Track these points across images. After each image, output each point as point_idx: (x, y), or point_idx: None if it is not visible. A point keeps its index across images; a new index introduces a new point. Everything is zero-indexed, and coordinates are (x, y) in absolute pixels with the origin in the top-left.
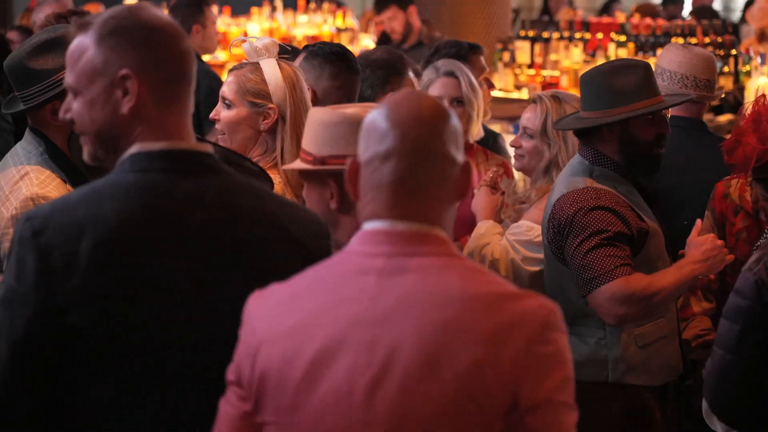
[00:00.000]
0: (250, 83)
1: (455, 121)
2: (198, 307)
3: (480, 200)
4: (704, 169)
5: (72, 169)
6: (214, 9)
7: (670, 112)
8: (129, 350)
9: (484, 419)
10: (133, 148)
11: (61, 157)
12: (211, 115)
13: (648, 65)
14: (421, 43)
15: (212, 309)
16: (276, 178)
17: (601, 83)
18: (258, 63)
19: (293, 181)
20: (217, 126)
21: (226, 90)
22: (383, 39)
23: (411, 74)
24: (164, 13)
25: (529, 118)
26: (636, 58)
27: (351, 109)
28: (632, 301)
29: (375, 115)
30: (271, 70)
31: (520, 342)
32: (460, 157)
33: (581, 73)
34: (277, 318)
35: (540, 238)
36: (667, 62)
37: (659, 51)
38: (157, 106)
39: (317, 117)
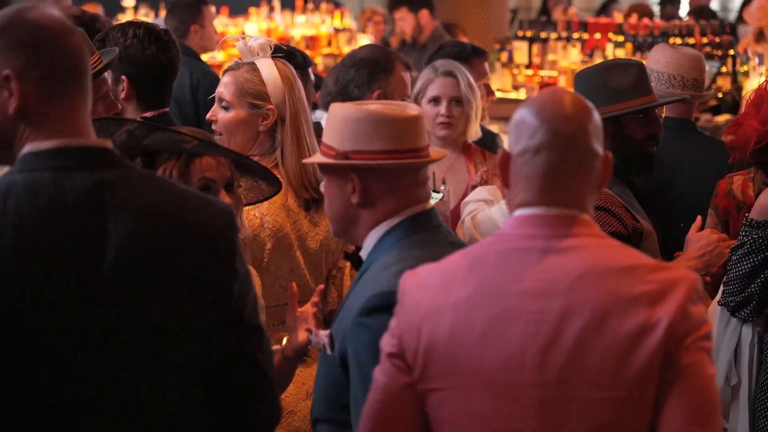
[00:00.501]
0: (249, 84)
1: (597, 116)
2: (92, 312)
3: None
4: (694, 169)
5: None
6: (212, 8)
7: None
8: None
9: (644, 374)
10: (25, 149)
11: None
12: (208, 116)
13: (642, 64)
14: (425, 45)
15: (107, 308)
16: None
17: (594, 81)
18: (254, 63)
19: (294, 182)
20: (215, 127)
21: (224, 91)
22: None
23: (404, 71)
24: (54, 10)
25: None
26: (633, 58)
27: (373, 106)
28: None
29: (524, 113)
30: (269, 70)
31: (675, 304)
32: (600, 149)
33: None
34: (441, 293)
35: None
36: (654, 63)
37: None
38: (46, 105)
39: (339, 112)
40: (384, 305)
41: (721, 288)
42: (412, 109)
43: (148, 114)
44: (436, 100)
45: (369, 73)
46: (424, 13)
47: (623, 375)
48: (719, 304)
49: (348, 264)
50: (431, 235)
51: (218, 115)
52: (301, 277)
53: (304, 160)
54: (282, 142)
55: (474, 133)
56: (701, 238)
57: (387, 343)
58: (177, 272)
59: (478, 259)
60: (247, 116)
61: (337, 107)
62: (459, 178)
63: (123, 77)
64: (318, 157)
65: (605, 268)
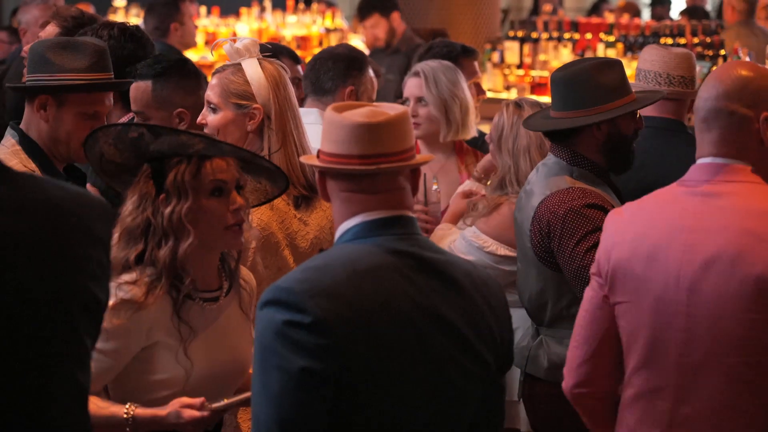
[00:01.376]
0: (234, 85)
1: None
2: None
3: (451, 205)
4: (680, 169)
5: (47, 162)
6: (189, 4)
7: (648, 112)
8: None
9: None
10: None
11: (35, 150)
12: (198, 119)
13: (621, 63)
14: (398, 50)
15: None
16: None
17: (587, 80)
18: (239, 64)
19: None
20: (206, 130)
21: (211, 94)
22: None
23: (372, 74)
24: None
25: (493, 124)
26: (625, 58)
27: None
28: None
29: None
30: (253, 70)
31: None
32: (753, 113)
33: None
34: (628, 225)
35: (487, 246)
36: (642, 62)
37: None
38: None
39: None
40: (273, 299)
41: None
42: (394, 109)
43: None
44: (405, 101)
45: (345, 67)
46: (396, 16)
47: (754, 308)
48: None
49: None
50: (382, 240)
51: (207, 117)
52: None
53: (301, 158)
54: (269, 141)
55: (464, 132)
56: None
57: (592, 267)
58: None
59: (662, 197)
60: (234, 117)
61: (331, 108)
62: (450, 178)
63: None
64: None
65: (751, 210)
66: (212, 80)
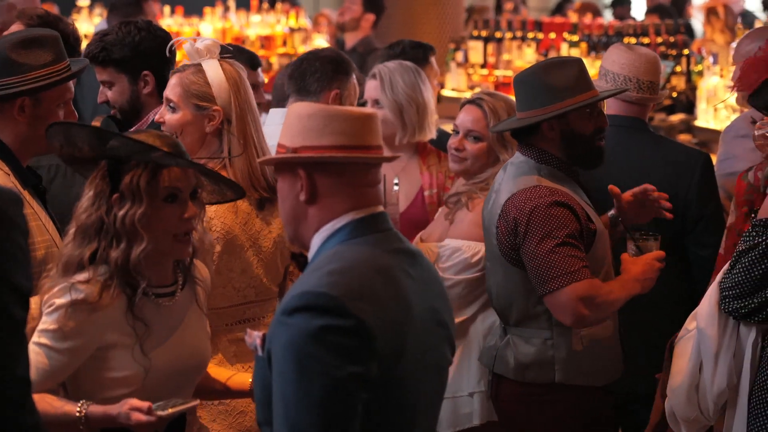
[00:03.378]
0: (194, 86)
1: None
2: None
3: (433, 223)
4: (642, 167)
5: (19, 164)
6: (153, 4)
7: (611, 111)
8: None
9: None
10: None
11: (6, 153)
12: (156, 117)
13: (581, 61)
14: (354, 50)
15: None
16: None
17: (535, 82)
18: (200, 65)
19: (243, 182)
20: (164, 128)
21: (170, 93)
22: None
23: (355, 80)
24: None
25: (474, 119)
26: (588, 58)
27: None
28: (595, 304)
29: None
30: (214, 71)
31: None
32: None
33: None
34: None
35: (469, 255)
36: (610, 63)
37: None
38: None
39: (293, 110)
40: (306, 305)
41: (715, 292)
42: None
43: None
44: (365, 104)
45: (333, 70)
46: (371, 19)
47: None
48: (725, 311)
49: None
50: (375, 239)
51: (165, 116)
52: (254, 277)
53: (259, 160)
54: (228, 143)
55: (422, 134)
56: (646, 263)
57: None
58: None
59: None
60: (193, 117)
61: (292, 106)
62: (411, 179)
63: (147, 72)
64: (269, 156)
65: None
66: (172, 79)
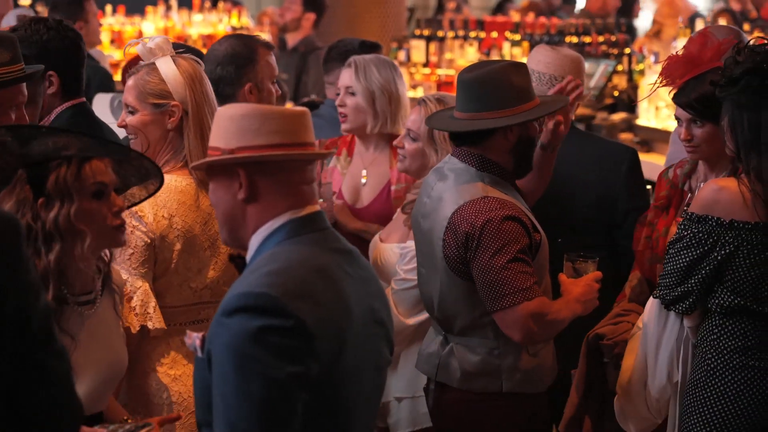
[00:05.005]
0: (150, 85)
1: None
2: None
3: (392, 224)
4: (570, 163)
5: None
6: (94, 3)
7: None
8: None
9: None
10: None
11: None
12: (118, 122)
13: (526, 65)
14: (296, 49)
15: None
16: (188, 178)
17: (500, 82)
18: (153, 63)
19: (203, 179)
20: (126, 132)
21: (128, 96)
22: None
23: (267, 54)
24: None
25: (414, 120)
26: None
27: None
28: (545, 322)
29: None
30: (168, 67)
31: None
32: None
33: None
34: None
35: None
36: (535, 63)
37: None
38: None
39: (223, 112)
40: (245, 306)
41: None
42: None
43: (68, 104)
44: (338, 93)
45: (236, 68)
46: (311, 18)
47: None
48: (654, 297)
49: None
50: (314, 238)
51: (126, 120)
52: (211, 278)
53: (191, 165)
54: (188, 138)
55: (394, 126)
56: (586, 285)
57: None
58: None
59: None
60: (152, 117)
61: (222, 109)
62: (380, 172)
63: (52, 72)
64: (206, 159)
65: None
66: (128, 82)
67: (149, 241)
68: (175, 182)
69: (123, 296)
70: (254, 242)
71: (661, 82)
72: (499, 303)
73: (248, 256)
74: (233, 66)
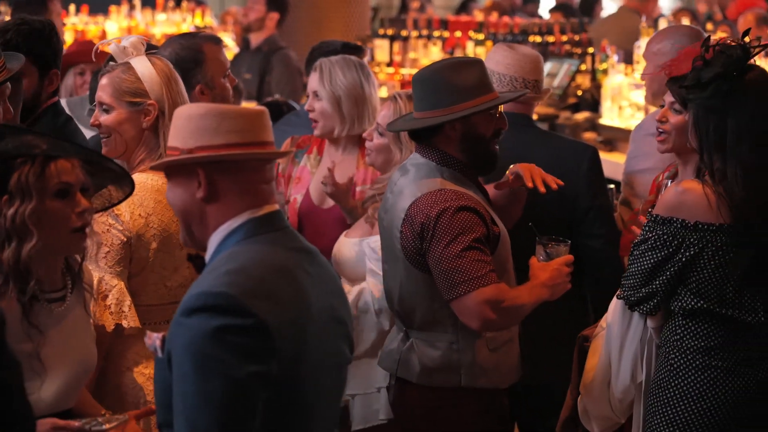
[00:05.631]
0: (126, 83)
1: None
2: None
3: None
4: (530, 161)
5: None
6: (58, 3)
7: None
8: None
9: None
10: None
11: None
12: (91, 121)
13: (482, 62)
14: (259, 49)
15: None
16: (164, 177)
17: (440, 81)
18: (128, 62)
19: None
20: (100, 131)
21: (102, 94)
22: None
23: (215, 48)
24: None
25: (384, 115)
26: None
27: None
28: (502, 308)
29: None
30: (144, 66)
31: None
32: None
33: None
34: None
35: None
36: (494, 64)
37: None
38: None
39: (181, 113)
40: (204, 305)
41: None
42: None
43: (51, 102)
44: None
45: (182, 71)
46: (275, 17)
47: None
48: (618, 298)
49: None
50: (273, 237)
51: (100, 118)
52: (186, 277)
53: (150, 165)
54: (163, 137)
55: (361, 127)
56: (555, 269)
57: None
58: None
59: None
60: (128, 115)
61: (179, 110)
62: (346, 172)
63: (55, 71)
64: (165, 159)
65: None
66: (102, 81)
67: (125, 239)
68: (152, 181)
69: (93, 294)
70: (213, 242)
71: (667, 70)
72: (454, 291)
73: (207, 256)
74: (179, 70)
